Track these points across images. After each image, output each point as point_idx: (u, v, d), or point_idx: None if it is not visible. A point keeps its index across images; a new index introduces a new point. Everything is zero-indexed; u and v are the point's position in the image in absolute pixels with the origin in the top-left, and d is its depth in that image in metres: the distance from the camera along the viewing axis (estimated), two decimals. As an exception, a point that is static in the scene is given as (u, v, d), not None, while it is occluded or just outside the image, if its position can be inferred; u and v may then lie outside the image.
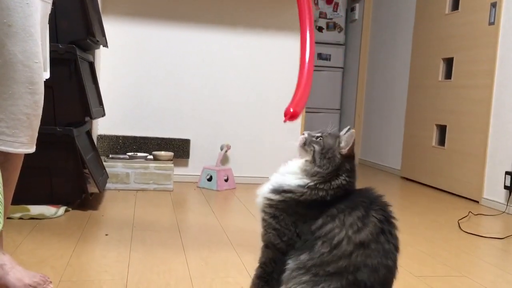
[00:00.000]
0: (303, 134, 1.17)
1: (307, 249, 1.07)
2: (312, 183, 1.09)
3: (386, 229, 1.05)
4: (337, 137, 1.13)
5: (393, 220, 1.08)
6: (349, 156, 1.11)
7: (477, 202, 3.10)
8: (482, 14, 3.12)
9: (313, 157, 1.11)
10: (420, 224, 2.44)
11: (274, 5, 3.24)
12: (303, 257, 1.07)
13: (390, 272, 1.05)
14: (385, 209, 1.08)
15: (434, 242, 2.11)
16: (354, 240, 1.02)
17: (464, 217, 2.63)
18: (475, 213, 2.76)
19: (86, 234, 1.91)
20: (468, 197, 3.20)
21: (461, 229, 2.36)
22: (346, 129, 1.15)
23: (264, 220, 1.16)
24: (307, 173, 1.11)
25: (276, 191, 1.12)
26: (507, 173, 2.83)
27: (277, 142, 3.25)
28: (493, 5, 3.02)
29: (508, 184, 2.81)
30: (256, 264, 1.69)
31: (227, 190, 3.02)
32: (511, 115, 2.86)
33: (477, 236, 2.25)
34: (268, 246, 1.16)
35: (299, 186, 1.10)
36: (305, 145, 1.14)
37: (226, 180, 3.04)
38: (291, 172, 1.14)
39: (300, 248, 1.10)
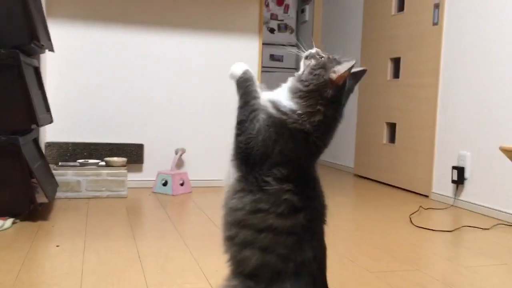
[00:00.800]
0: (314, 49, 1.12)
1: (244, 191, 1.05)
2: (299, 110, 1.04)
3: (306, 237, 1.04)
4: (338, 63, 1.06)
5: (321, 229, 1.08)
6: (337, 85, 1.05)
7: (427, 196, 3.21)
8: (426, 15, 3.24)
9: (304, 69, 1.08)
10: (373, 220, 2.49)
11: (229, 8, 3.23)
12: (234, 199, 1.06)
13: (303, 266, 1.04)
14: (317, 221, 1.08)
15: (387, 237, 2.17)
16: (269, 220, 1.02)
17: (415, 212, 2.72)
18: (426, 207, 2.86)
19: (35, 246, 1.83)
20: (418, 192, 3.30)
21: (413, 224, 2.44)
22: (348, 59, 1.08)
23: (260, 121, 1.08)
24: (290, 89, 1.07)
25: (275, 107, 1.07)
26: (453, 167, 2.95)
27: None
28: (436, 6, 3.14)
29: (455, 178, 2.93)
30: (213, 269, 1.67)
31: (183, 194, 2.99)
32: (456, 112, 2.98)
33: (428, 230, 2.33)
34: (256, 136, 1.07)
35: (291, 110, 1.05)
36: (307, 57, 1.10)
37: (181, 185, 3.01)
38: (283, 90, 1.10)
39: (244, 178, 1.06)
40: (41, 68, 2.68)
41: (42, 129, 2.84)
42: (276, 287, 1.02)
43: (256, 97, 1.12)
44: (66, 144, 2.92)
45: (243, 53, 3.29)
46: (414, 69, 3.36)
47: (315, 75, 1.05)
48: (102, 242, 1.92)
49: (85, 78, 2.99)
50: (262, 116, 1.07)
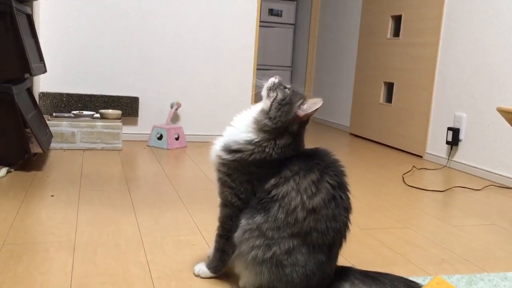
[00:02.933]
0: (276, 77, 1.15)
1: (263, 211, 1.09)
2: (257, 139, 1.09)
3: (338, 195, 1.08)
4: (303, 98, 1.11)
5: (346, 185, 1.11)
6: (302, 121, 1.11)
7: (421, 157, 3.23)
8: (431, -28, 3.15)
9: (271, 104, 1.10)
10: (367, 179, 2.52)
11: (224, -43, 3.13)
12: (258, 219, 1.09)
13: (338, 233, 1.09)
14: (340, 174, 1.10)
15: (379, 196, 2.19)
16: (308, 206, 1.05)
17: (408, 172, 2.74)
18: (419, 168, 2.88)
19: (30, 195, 1.84)
20: (412, 152, 3.32)
21: (405, 183, 2.46)
22: (316, 100, 1.13)
23: (219, 178, 1.16)
24: (257, 124, 1.11)
25: (227, 150, 1.12)
26: (449, 128, 2.95)
27: (229, 99, 3.22)
28: (441, -38, 3.05)
29: (449, 139, 2.94)
30: (207, 222, 1.70)
31: (178, 148, 2.99)
32: (454, 73, 2.95)
33: (420, 190, 2.36)
34: (225, 204, 1.17)
35: (247, 142, 1.10)
36: (271, 89, 1.13)
37: (177, 139, 3.01)
38: (243, 124, 1.13)
39: (255, 208, 1.11)
40: (34, 16, 2.61)
41: (35, 78, 2.80)
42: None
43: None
44: (60, 94, 2.89)
45: (241, 8, 3.21)
46: (415, 28, 3.30)
47: (282, 111, 1.09)
48: (97, 193, 1.93)
49: (79, 28, 2.93)
50: (221, 178, 1.16)
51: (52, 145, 2.66)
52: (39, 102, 2.83)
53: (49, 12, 2.85)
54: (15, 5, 2.04)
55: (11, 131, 2.09)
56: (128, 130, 3.09)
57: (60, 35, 2.90)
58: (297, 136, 1.12)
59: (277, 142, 1.09)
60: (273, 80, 1.14)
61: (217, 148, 1.15)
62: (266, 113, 1.10)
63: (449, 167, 2.96)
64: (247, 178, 1.11)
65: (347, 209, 1.10)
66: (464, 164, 2.87)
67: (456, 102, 2.94)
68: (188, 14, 3.12)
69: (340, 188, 1.08)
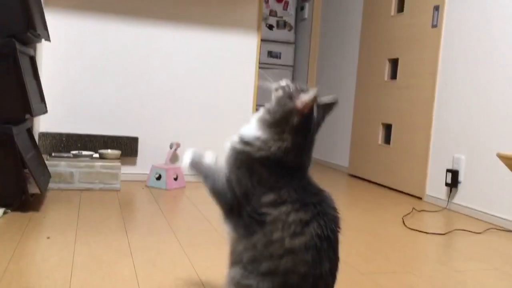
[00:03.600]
0: (284, 80, 1.16)
1: (249, 235, 1.07)
2: (264, 136, 1.10)
3: (323, 245, 1.04)
4: (302, 91, 1.10)
5: (333, 237, 1.07)
6: (303, 113, 1.08)
7: (421, 198, 3.21)
8: (426, 17, 3.23)
9: (272, 101, 1.12)
10: (366, 221, 2.49)
11: (228, 3, 3.21)
12: (240, 247, 1.08)
13: (321, 279, 1.04)
14: (330, 226, 1.06)
15: (379, 239, 2.17)
16: (286, 245, 1.02)
17: (408, 214, 2.72)
18: (419, 210, 2.86)
19: (26, 237, 1.82)
20: (412, 193, 3.31)
21: (405, 225, 2.44)
22: (330, 97, 1.14)
23: (228, 167, 1.14)
24: (262, 121, 1.12)
25: (240, 140, 1.14)
26: (448, 170, 2.95)
27: (228, 139, 3.23)
28: (436, 8, 3.14)
29: (449, 181, 2.93)
30: (205, 266, 1.67)
31: (177, 189, 2.97)
32: (452, 115, 2.98)
33: (420, 232, 2.33)
34: (229, 188, 1.13)
35: (255, 138, 1.11)
36: (277, 89, 1.14)
37: (175, 179, 3.00)
38: (253, 122, 1.15)
39: (243, 227, 1.09)
40: (37, 57, 2.66)
41: (36, 119, 2.82)
42: None
43: (208, 168, 1.21)
44: (60, 134, 2.90)
45: (241, 50, 3.27)
46: (412, 71, 3.35)
47: (281, 105, 1.09)
48: (94, 234, 1.91)
49: (80, 69, 2.97)
50: (226, 167, 1.14)
51: (50, 185, 2.65)
52: (38, 142, 2.83)
53: (51, 53, 2.90)
54: (18, 47, 2.08)
55: (10, 171, 2.09)
56: (127, 170, 3.08)
57: (62, 76, 2.94)
58: (299, 132, 1.09)
59: (284, 142, 1.08)
60: (280, 82, 1.15)
61: (234, 139, 1.15)
62: (267, 108, 1.12)
63: (449, 209, 2.94)
64: (249, 174, 1.10)
65: (331, 259, 1.06)
66: (464, 206, 2.85)
67: (454, 144, 2.96)
68: (189, 56, 3.17)
69: (326, 241, 1.05)
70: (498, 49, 2.66)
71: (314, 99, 1.08)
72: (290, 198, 1.06)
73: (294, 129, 1.08)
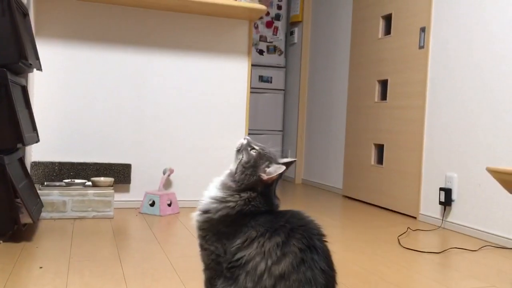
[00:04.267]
0: (245, 138, 1.17)
1: (232, 281, 1.06)
2: (221, 195, 1.12)
3: (308, 257, 1.02)
4: (269, 160, 1.12)
5: (317, 247, 1.05)
6: (267, 184, 1.12)
7: (415, 218, 3.21)
8: (413, 38, 3.29)
9: (236, 167, 1.13)
10: (362, 241, 2.48)
11: (218, 29, 3.26)
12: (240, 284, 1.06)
13: None
14: (309, 237, 1.05)
15: (375, 259, 2.16)
16: (274, 272, 1.01)
17: (403, 233, 2.71)
18: (414, 229, 2.86)
19: (18, 267, 1.79)
20: (406, 213, 3.31)
21: (401, 245, 2.43)
22: (289, 159, 1.16)
23: (199, 242, 1.17)
24: (223, 185, 1.14)
25: (200, 211, 1.15)
26: (441, 189, 2.96)
27: (221, 164, 3.24)
28: (422, 29, 3.20)
29: (442, 199, 2.94)
30: (200, 291, 1.63)
31: (171, 215, 2.96)
32: (442, 134, 3.01)
33: (416, 252, 2.33)
34: (205, 267, 1.17)
35: (212, 200, 1.13)
36: (239, 151, 1.15)
37: (169, 205, 2.98)
38: (212, 187, 1.17)
39: (225, 277, 1.09)
40: (29, 86, 2.67)
41: (28, 148, 2.81)
42: None
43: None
44: (52, 163, 2.89)
45: (232, 75, 3.30)
46: (401, 91, 3.40)
47: (246, 175, 1.12)
48: (87, 263, 1.89)
49: (72, 98, 2.98)
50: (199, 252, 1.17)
51: (43, 214, 2.63)
52: (31, 171, 2.82)
53: (43, 82, 2.91)
54: (10, 77, 2.09)
55: (2, 202, 2.07)
56: (120, 198, 3.06)
57: (54, 105, 2.94)
58: (264, 197, 1.13)
59: (241, 195, 1.11)
60: (242, 141, 1.16)
61: (196, 212, 1.17)
62: (232, 175, 1.14)
63: (444, 228, 2.94)
64: (217, 238, 1.11)
65: (324, 270, 1.04)
66: (459, 224, 2.85)
67: (446, 162, 2.98)
68: (180, 83, 3.20)
69: (310, 251, 1.03)
70: (483, 67, 2.71)
71: (281, 174, 1.11)
72: (258, 233, 1.06)
73: (257, 194, 1.12)
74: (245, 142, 1.16)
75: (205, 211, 1.13)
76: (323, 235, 1.09)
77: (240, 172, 1.12)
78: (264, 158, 1.12)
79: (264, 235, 1.05)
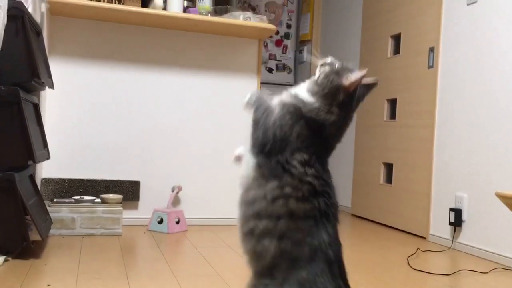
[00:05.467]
0: (329, 58, 1.19)
1: (267, 178, 1.10)
2: (316, 105, 1.13)
3: (323, 221, 1.08)
4: (350, 70, 1.14)
5: (335, 217, 1.13)
6: (348, 91, 1.13)
7: (425, 238, 3.18)
8: (422, 58, 3.30)
9: (320, 74, 1.15)
10: (371, 262, 2.46)
11: (228, 48, 3.29)
12: (251, 194, 1.11)
13: (320, 251, 1.06)
14: (332, 209, 1.12)
15: (385, 281, 2.13)
16: (289, 205, 1.06)
17: (413, 254, 2.69)
18: (423, 250, 2.83)
19: (26, 285, 1.80)
20: (416, 233, 3.28)
21: (410, 266, 2.40)
22: (371, 78, 1.18)
23: (280, 109, 1.15)
24: (308, 89, 1.16)
25: (293, 95, 1.16)
26: (451, 209, 2.93)
27: (230, 182, 3.23)
28: (431, 49, 3.21)
29: (452, 220, 2.91)
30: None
31: (179, 232, 2.95)
32: (453, 154, 2.99)
33: (425, 273, 2.30)
34: (273, 127, 1.13)
35: (308, 102, 1.14)
36: (323, 65, 1.17)
37: (177, 223, 2.98)
38: (301, 89, 1.18)
39: (267, 167, 1.11)
40: (41, 104, 2.70)
41: (38, 165, 2.83)
42: (292, 277, 1.03)
43: (268, 101, 1.20)
44: (62, 180, 2.91)
45: (242, 93, 3.32)
46: (411, 110, 3.39)
47: (329, 80, 1.13)
48: (95, 282, 1.89)
49: (83, 115, 3.01)
50: (277, 110, 1.15)
51: (51, 231, 2.64)
52: (41, 188, 2.84)
53: (55, 100, 2.95)
54: (22, 96, 2.12)
55: (11, 218, 2.09)
56: (128, 215, 3.07)
57: (64, 122, 2.98)
58: (344, 106, 1.13)
59: (332, 115, 1.12)
60: (326, 59, 1.19)
61: (287, 96, 1.17)
62: (315, 81, 1.16)
63: (454, 249, 2.91)
64: (292, 125, 1.12)
65: (331, 236, 1.09)
66: (469, 245, 2.82)
67: (456, 182, 2.95)
68: (190, 100, 3.22)
69: (325, 217, 1.09)
70: (492, 86, 2.70)
71: (361, 78, 1.12)
72: (316, 165, 1.10)
73: (340, 104, 1.13)
74: (329, 60, 1.18)
75: (301, 101, 1.14)
76: (338, 216, 1.15)
77: (324, 77, 1.14)
78: (346, 69, 1.14)
79: (316, 170, 1.11)
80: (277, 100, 1.18)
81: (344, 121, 1.15)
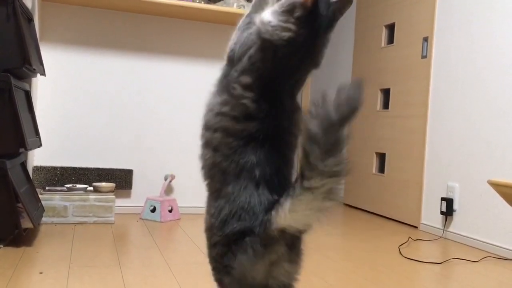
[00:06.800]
0: None
1: (222, 95, 1.17)
2: (273, 23, 1.07)
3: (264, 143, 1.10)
4: None
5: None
6: (306, 6, 1.04)
7: (416, 227, 3.20)
8: (415, 48, 3.30)
9: None
10: (363, 251, 2.48)
11: (221, 36, 3.27)
12: (215, 100, 1.20)
13: (248, 171, 1.08)
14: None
15: (377, 269, 2.15)
16: (224, 123, 1.12)
17: (404, 243, 2.71)
18: (415, 239, 2.85)
19: (18, 272, 1.79)
20: (407, 222, 3.30)
21: (402, 255, 2.42)
22: None
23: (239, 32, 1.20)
24: (271, 10, 1.10)
25: (259, 20, 1.12)
26: (442, 199, 2.96)
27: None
28: (425, 39, 3.21)
29: (444, 209, 2.93)
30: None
31: (172, 221, 2.95)
32: (444, 144, 3.01)
33: (417, 262, 2.32)
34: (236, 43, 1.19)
35: (268, 21, 1.09)
36: None
37: (170, 211, 2.98)
38: (267, 11, 1.13)
39: (220, 81, 1.22)
40: (32, 91, 2.68)
41: (30, 152, 2.81)
42: (224, 190, 1.09)
43: (254, 15, 1.18)
44: (54, 168, 2.89)
45: (234, 81, 3.30)
46: (404, 100, 3.40)
47: None
48: (87, 269, 1.88)
49: (75, 103, 2.99)
50: (253, 27, 1.13)
51: (44, 219, 2.63)
52: (32, 176, 2.82)
53: (46, 87, 2.92)
54: (14, 82, 2.09)
55: (3, 206, 2.07)
56: (121, 203, 3.06)
57: (56, 110, 2.95)
58: (306, 25, 1.06)
59: (288, 32, 1.05)
60: None
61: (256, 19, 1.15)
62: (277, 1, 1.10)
63: (445, 238, 2.93)
64: (250, 45, 1.12)
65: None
66: (460, 234, 2.85)
67: (448, 172, 2.97)
68: (183, 89, 3.21)
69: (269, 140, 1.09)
70: (485, 78, 2.71)
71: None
72: (256, 90, 1.08)
73: (297, 20, 1.05)
74: None
75: (260, 22, 1.10)
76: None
77: None
78: None
79: (253, 99, 1.09)
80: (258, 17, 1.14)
81: (306, 40, 1.07)
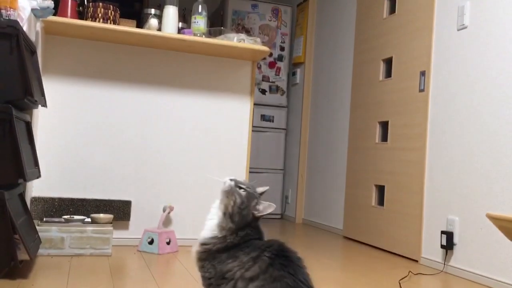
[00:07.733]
0: (230, 180, 1.33)
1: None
2: (221, 235, 1.30)
3: (277, 262, 1.21)
4: (256, 198, 1.31)
5: (287, 254, 1.25)
6: (257, 219, 1.32)
7: (416, 261, 3.17)
8: (413, 82, 3.34)
9: (232, 209, 1.29)
10: (363, 285, 2.44)
11: (222, 69, 3.32)
12: None
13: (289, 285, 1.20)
14: (279, 249, 1.25)
15: (376, 304, 2.12)
16: (245, 276, 1.20)
17: (405, 277, 2.67)
18: (415, 273, 2.82)
19: (12, 306, 1.76)
20: (407, 256, 3.27)
21: (402, 290, 2.39)
22: (263, 188, 1.36)
23: (200, 274, 1.35)
24: (221, 228, 1.31)
25: (199, 245, 1.35)
26: (442, 232, 2.93)
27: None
28: (422, 73, 3.25)
29: (444, 243, 2.91)
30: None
31: (169, 253, 2.92)
32: (443, 177, 3.01)
33: (417, 297, 2.29)
34: None
35: (212, 237, 1.31)
36: (229, 193, 1.31)
37: (168, 243, 2.95)
38: (209, 229, 1.34)
39: None
40: (33, 122, 2.70)
41: (29, 183, 2.81)
42: None
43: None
44: (52, 199, 2.88)
45: (235, 114, 3.34)
46: (402, 133, 3.42)
47: (243, 215, 1.29)
48: (83, 303, 1.85)
49: (74, 134, 3.00)
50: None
51: (40, 251, 2.60)
52: (30, 206, 2.81)
53: (47, 118, 2.94)
54: (15, 113, 2.11)
55: (0, 237, 2.05)
56: (119, 235, 3.04)
57: (56, 140, 2.96)
58: (256, 229, 1.33)
59: (238, 233, 1.29)
60: (229, 183, 1.33)
61: (194, 247, 1.36)
62: (229, 217, 1.29)
63: (446, 272, 2.90)
64: (213, 263, 1.29)
65: (293, 268, 1.21)
66: (461, 269, 2.81)
67: (447, 205, 2.96)
68: (183, 121, 3.23)
69: (277, 257, 1.22)
70: (483, 111, 2.74)
71: (270, 210, 1.31)
72: (242, 251, 1.26)
73: (254, 228, 1.32)
74: (233, 183, 1.32)
75: (204, 244, 1.32)
76: (299, 257, 1.27)
77: (237, 214, 1.28)
78: (252, 197, 1.30)
79: (245, 253, 1.24)
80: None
81: (252, 230, 1.34)
